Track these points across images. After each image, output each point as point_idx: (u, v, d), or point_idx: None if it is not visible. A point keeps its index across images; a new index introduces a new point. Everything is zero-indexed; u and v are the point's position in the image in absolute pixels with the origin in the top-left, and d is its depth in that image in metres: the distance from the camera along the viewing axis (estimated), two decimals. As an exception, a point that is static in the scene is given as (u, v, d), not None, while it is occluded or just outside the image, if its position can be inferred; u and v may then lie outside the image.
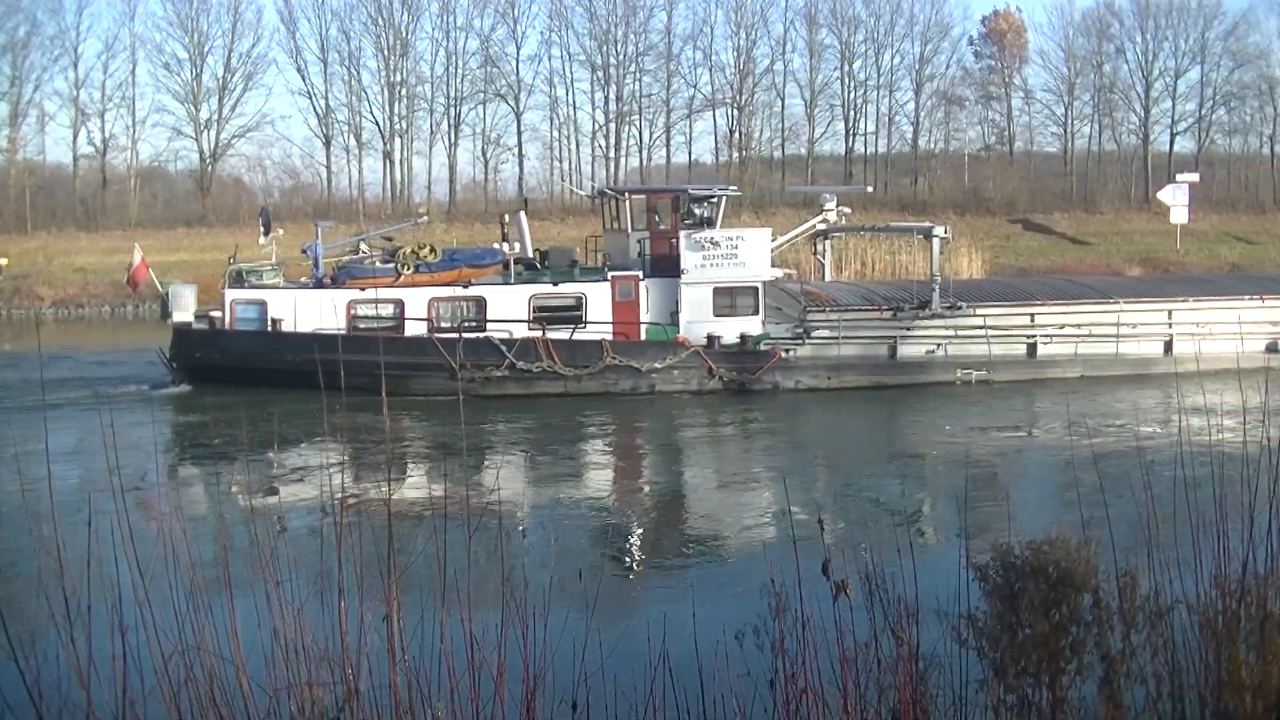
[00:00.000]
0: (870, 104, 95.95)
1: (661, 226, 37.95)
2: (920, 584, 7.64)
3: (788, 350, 36.58)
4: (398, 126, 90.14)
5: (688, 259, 36.43)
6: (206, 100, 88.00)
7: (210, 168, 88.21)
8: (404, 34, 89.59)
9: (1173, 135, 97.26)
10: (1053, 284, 45.37)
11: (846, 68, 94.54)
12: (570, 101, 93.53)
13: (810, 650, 6.85)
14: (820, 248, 44.85)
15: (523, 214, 40.45)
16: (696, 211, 38.04)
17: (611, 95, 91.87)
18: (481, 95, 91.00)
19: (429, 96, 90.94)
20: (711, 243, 36.66)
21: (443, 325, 36.01)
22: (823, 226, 42.23)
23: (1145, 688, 7.43)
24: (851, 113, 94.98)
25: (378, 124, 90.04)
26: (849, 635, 6.98)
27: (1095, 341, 38.19)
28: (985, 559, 7.51)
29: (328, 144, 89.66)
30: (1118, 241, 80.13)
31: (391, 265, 36.80)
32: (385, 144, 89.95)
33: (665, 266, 36.91)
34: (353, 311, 36.02)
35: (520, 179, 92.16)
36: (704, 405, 34.87)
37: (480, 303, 36.74)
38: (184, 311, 36.62)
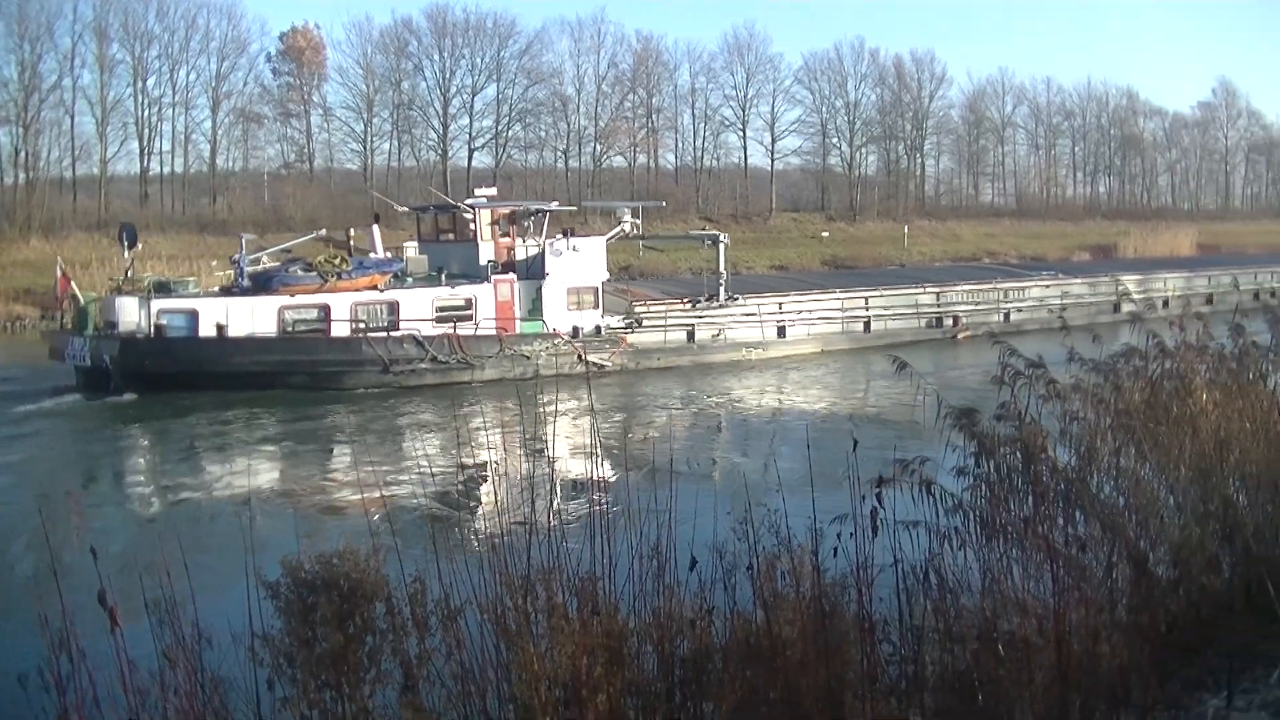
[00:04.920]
0: (166, 122, 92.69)
1: (504, 236, 44.11)
2: (217, 604, 7.55)
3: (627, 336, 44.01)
4: None
5: (551, 263, 42.94)
6: None
7: None
8: None
9: (471, 150, 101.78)
10: (791, 278, 61.72)
11: (140, 84, 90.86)
12: None
13: (90, 684, 6.49)
14: None
15: (375, 226, 44.46)
16: (527, 224, 44.75)
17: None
18: None
19: None
20: (572, 250, 43.32)
21: (362, 326, 39.86)
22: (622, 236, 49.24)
23: (445, 688, 7.58)
24: (146, 131, 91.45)
25: None
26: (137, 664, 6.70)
27: (823, 323, 49.32)
28: (276, 576, 7.42)
29: None
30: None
31: (313, 274, 39.85)
32: None
33: (512, 270, 43.02)
34: (283, 316, 39.06)
35: None
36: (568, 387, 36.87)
37: (394, 305, 40.81)
38: (129, 322, 37.60)
